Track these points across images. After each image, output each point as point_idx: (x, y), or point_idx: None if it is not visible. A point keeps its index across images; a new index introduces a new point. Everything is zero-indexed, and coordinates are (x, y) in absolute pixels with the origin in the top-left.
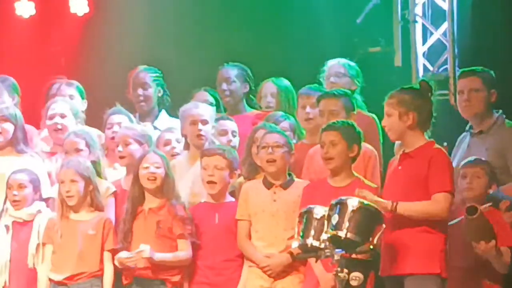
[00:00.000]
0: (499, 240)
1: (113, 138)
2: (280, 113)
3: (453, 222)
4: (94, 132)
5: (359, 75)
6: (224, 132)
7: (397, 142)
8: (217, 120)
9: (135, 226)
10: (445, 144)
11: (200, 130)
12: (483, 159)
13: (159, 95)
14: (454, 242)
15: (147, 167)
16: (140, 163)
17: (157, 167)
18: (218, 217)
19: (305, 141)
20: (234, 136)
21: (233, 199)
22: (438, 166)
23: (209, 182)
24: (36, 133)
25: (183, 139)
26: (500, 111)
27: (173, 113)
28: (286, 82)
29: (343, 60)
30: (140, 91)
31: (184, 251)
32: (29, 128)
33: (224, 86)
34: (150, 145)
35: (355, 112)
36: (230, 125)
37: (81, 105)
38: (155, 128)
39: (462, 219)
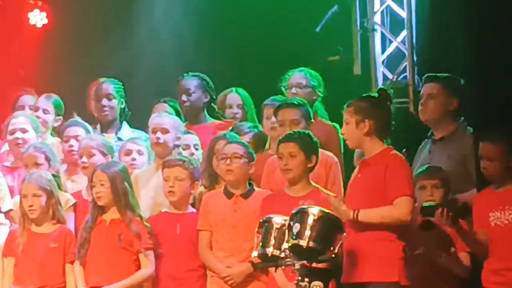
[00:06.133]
0: (457, 246)
1: (70, 151)
2: (247, 123)
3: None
4: (57, 144)
5: (321, 85)
6: (186, 147)
7: (357, 152)
8: None
9: (95, 236)
10: (403, 150)
11: (158, 138)
12: (439, 168)
13: (121, 106)
14: (414, 251)
15: (94, 185)
16: (91, 179)
17: (102, 184)
18: (179, 228)
19: (270, 151)
20: (197, 149)
21: (194, 210)
22: (395, 171)
23: (170, 192)
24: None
25: (147, 150)
26: (462, 118)
27: (134, 124)
28: (246, 93)
29: (305, 70)
30: (104, 101)
31: (144, 268)
32: None
33: (184, 97)
34: (112, 156)
35: (313, 121)
36: (192, 138)
37: (54, 121)
38: (119, 139)
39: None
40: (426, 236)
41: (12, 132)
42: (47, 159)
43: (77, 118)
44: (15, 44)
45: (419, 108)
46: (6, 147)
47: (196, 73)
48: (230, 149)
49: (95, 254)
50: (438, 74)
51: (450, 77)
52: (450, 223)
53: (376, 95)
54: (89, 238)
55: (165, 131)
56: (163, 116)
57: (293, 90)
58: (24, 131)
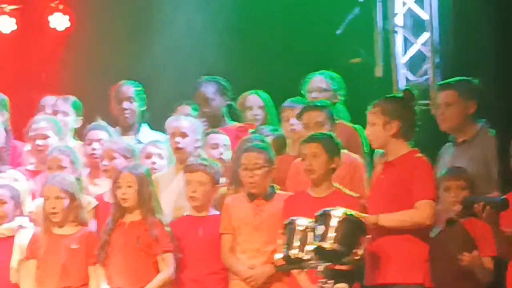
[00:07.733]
0: (480, 250)
1: (92, 154)
2: (268, 127)
3: (433, 235)
4: (79, 146)
5: (342, 87)
6: (215, 146)
7: (377, 153)
8: (208, 134)
9: (115, 238)
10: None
11: (178, 142)
12: (464, 169)
13: (142, 109)
14: (438, 252)
15: (119, 187)
16: (116, 180)
17: (129, 186)
18: (202, 231)
19: (291, 152)
20: (226, 150)
21: (217, 212)
22: (421, 174)
23: (192, 197)
24: (24, 149)
25: (168, 154)
26: (484, 120)
27: (154, 127)
28: (267, 95)
29: (326, 73)
30: (125, 104)
31: (163, 271)
32: (17, 144)
33: (205, 106)
34: (135, 159)
35: (337, 122)
36: (222, 138)
37: (74, 122)
38: (138, 141)
39: (441, 231)
40: (449, 238)
41: (33, 138)
42: (71, 162)
43: (100, 122)
44: (36, 47)
45: (438, 117)
46: (28, 146)
47: (212, 77)
48: (249, 159)
49: (115, 256)
50: (451, 80)
51: (464, 81)
52: (489, 218)
53: (401, 96)
54: (109, 240)
55: (184, 135)
56: (181, 120)
57: (314, 94)
58: (45, 137)
